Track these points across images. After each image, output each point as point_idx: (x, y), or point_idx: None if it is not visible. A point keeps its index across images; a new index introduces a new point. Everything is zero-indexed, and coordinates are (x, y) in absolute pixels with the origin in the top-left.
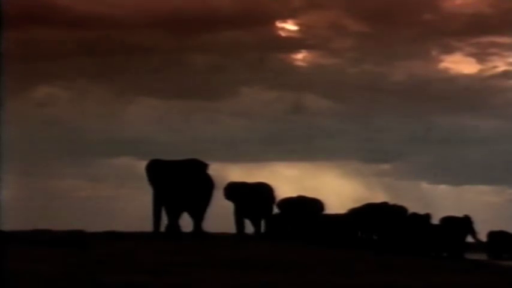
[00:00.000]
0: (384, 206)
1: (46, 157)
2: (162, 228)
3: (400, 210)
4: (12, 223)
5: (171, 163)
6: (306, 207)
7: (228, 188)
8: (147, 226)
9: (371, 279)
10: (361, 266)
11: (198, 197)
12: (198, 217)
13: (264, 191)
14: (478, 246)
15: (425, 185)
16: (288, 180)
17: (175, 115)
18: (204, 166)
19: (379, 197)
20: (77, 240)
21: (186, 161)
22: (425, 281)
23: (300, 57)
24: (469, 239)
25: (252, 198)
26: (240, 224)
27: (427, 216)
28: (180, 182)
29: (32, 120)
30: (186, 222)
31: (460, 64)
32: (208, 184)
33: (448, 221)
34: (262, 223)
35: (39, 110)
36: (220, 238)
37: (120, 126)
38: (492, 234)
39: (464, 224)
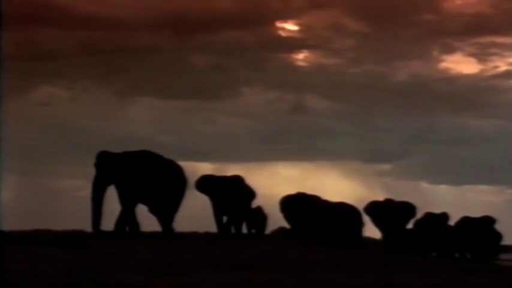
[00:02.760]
0: (388, 203)
1: (46, 157)
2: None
3: (406, 207)
4: (12, 223)
5: (123, 155)
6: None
7: (201, 181)
8: (147, 226)
9: (371, 279)
10: (361, 266)
11: (161, 191)
12: (167, 215)
13: (238, 184)
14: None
15: (425, 185)
16: (288, 180)
17: (175, 115)
18: (158, 158)
19: (379, 197)
20: (77, 240)
21: (139, 152)
22: (425, 281)
23: (301, 57)
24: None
25: (227, 192)
26: (220, 221)
27: (443, 216)
28: (138, 174)
29: (32, 120)
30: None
31: (461, 64)
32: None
33: (465, 222)
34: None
35: (40, 110)
36: (220, 238)
37: (120, 126)
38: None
39: (484, 224)
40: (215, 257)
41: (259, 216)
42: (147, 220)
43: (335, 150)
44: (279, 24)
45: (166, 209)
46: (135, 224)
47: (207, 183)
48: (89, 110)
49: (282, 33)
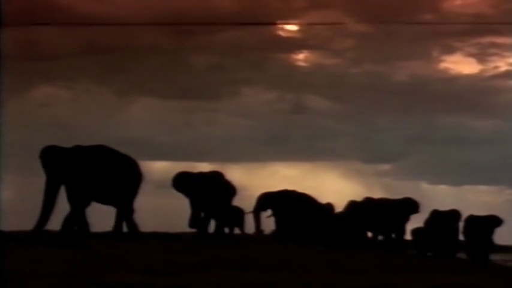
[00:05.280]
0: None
1: None
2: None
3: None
4: (12, 223)
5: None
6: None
7: (178, 179)
8: (147, 226)
9: (371, 279)
10: (361, 266)
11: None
12: (121, 212)
13: (218, 180)
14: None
15: (425, 185)
16: (288, 180)
17: (175, 115)
18: (113, 152)
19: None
20: (77, 240)
21: (93, 147)
22: (425, 281)
23: (301, 57)
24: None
25: (206, 189)
26: (197, 220)
27: (454, 214)
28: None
29: (32, 120)
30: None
31: (461, 64)
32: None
33: (471, 220)
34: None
35: (40, 110)
36: (219, 238)
37: (120, 126)
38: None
39: (489, 223)
40: (215, 257)
41: (238, 215)
42: (145, 220)
43: (335, 150)
44: (279, 24)
45: (119, 206)
46: (85, 224)
47: (184, 181)
48: (89, 110)
49: (282, 34)
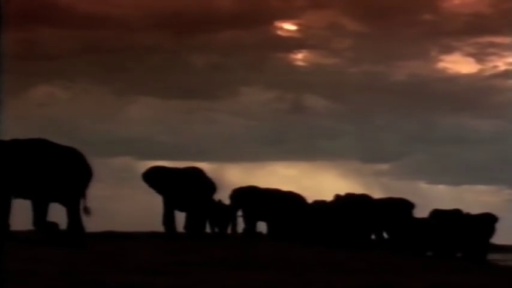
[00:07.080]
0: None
1: None
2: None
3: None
4: (12, 223)
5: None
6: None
7: (150, 173)
8: (147, 226)
9: (371, 279)
10: (361, 266)
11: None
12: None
13: (196, 176)
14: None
15: (424, 185)
16: (287, 180)
17: (175, 115)
18: (53, 145)
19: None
20: (76, 240)
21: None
22: (425, 281)
23: (300, 57)
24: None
25: (181, 185)
26: (171, 218)
27: (457, 213)
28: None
29: (31, 120)
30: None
31: (459, 64)
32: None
33: (468, 219)
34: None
35: (39, 109)
36: (219, 238)
37: (120, 126)
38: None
39: (486, 222)
40: (215, 257)
41: (222, 212)
42: (145, 220)
43: (334, 149)
44: (278, 24)
45: (67, 203)
46: (6, 224)
47: (158, 176)
48: (88, 110)
49: (281, 33)
